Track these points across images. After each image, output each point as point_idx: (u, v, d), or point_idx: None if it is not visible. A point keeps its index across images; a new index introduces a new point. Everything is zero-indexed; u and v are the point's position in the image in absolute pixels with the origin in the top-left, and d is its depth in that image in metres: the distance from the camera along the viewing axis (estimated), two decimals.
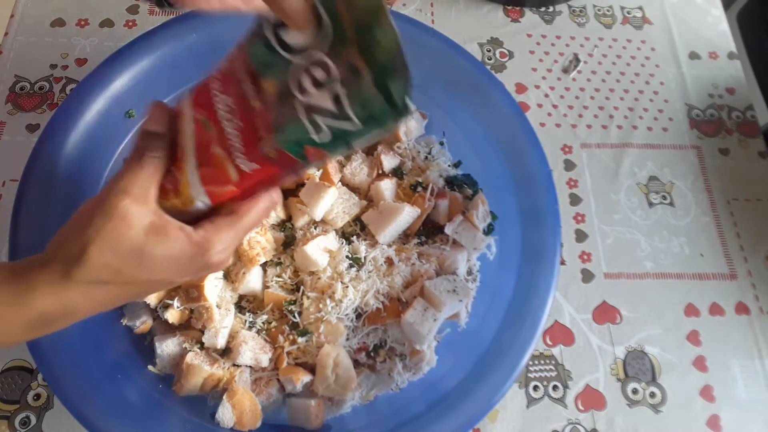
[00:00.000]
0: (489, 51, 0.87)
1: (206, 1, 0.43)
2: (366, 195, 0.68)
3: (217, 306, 0.59)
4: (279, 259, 0.63)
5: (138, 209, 0.37)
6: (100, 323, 0.60)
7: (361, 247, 0.63)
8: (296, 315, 0.60)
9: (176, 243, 0.38)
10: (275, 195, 0.43)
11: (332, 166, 0.66)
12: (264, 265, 0.63)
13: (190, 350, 0.58)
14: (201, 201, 0.40)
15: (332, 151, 0.36)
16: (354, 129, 0.34)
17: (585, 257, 0.74)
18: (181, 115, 0.40)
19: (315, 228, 0.64)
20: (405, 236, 0.66)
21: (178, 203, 0.40)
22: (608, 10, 0.93)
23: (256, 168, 0.38)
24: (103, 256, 0.37)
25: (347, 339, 0.60)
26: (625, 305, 0.71)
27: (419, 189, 0.66)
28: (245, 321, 0.61)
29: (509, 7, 0.91)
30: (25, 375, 0.63)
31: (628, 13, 0.93)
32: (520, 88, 0.85)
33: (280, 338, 0.59)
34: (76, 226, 0.38)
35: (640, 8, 0.93)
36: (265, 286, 0.62)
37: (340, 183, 0.67)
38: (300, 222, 0.65)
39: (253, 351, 0.58)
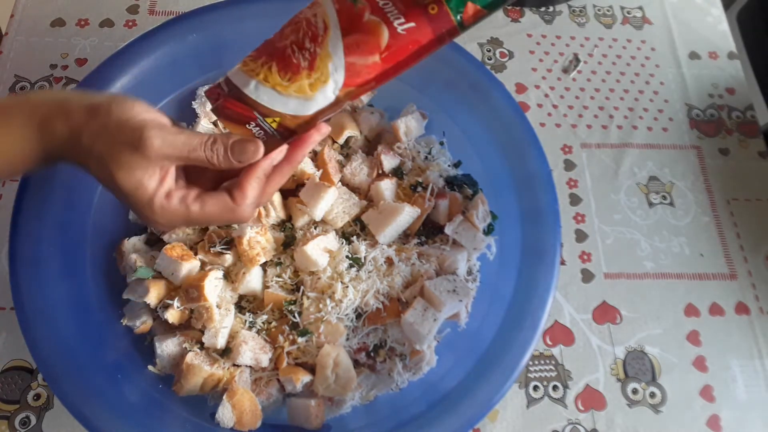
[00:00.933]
0: (489, 51, 0.87)
1: None
2: (366, 195, 0.68)
3: (217, 306, 0.59)
4: (279, 259, 0.63)
5: (151, 186, 0.44)
6: (100, 323, 0.60)
7: (361, 247, 0.63)
8: (296, 315, 0.60)
9: (176, 216, 0.46)
10: (299, 160, 0.49)
11: (332, 166, 0.66)
12: (264, 265, 0.63)
13: (190, 350, 0.58)
14: (334, 80, 0.43)
15: (490, 10, 0.40)
16: None
17: (585, 257, 0.74)
18: (315, 5, 0.44)
19: (315, 228, 0.64)
20: (405, 236, 0.66)
21: (305, 85, 0.43)
22: (608, 10, 0.93)
23: (411, 27, 0.41)
24: (118, 193, 0.44)
25: (347, 339, 0.60)
26: (625, 305, 0.71)
27: (419, 189, 0.66)
28: (245, 321, 0.61)
29: (509, 7, 0.91)
30: (25, 375, 0.63)
31: (628, 13, 0.93)
32: (520, 88, 0.85)
33: (280, 338, 0.59)
34: (114, 142, 0.43)
35: (640, 8, 0.93)
36: (265, 286, 0.62)
37: (340, 183, 0.67)
38: (300, 222, 0.65)
39: (253, 351, 0.58)
